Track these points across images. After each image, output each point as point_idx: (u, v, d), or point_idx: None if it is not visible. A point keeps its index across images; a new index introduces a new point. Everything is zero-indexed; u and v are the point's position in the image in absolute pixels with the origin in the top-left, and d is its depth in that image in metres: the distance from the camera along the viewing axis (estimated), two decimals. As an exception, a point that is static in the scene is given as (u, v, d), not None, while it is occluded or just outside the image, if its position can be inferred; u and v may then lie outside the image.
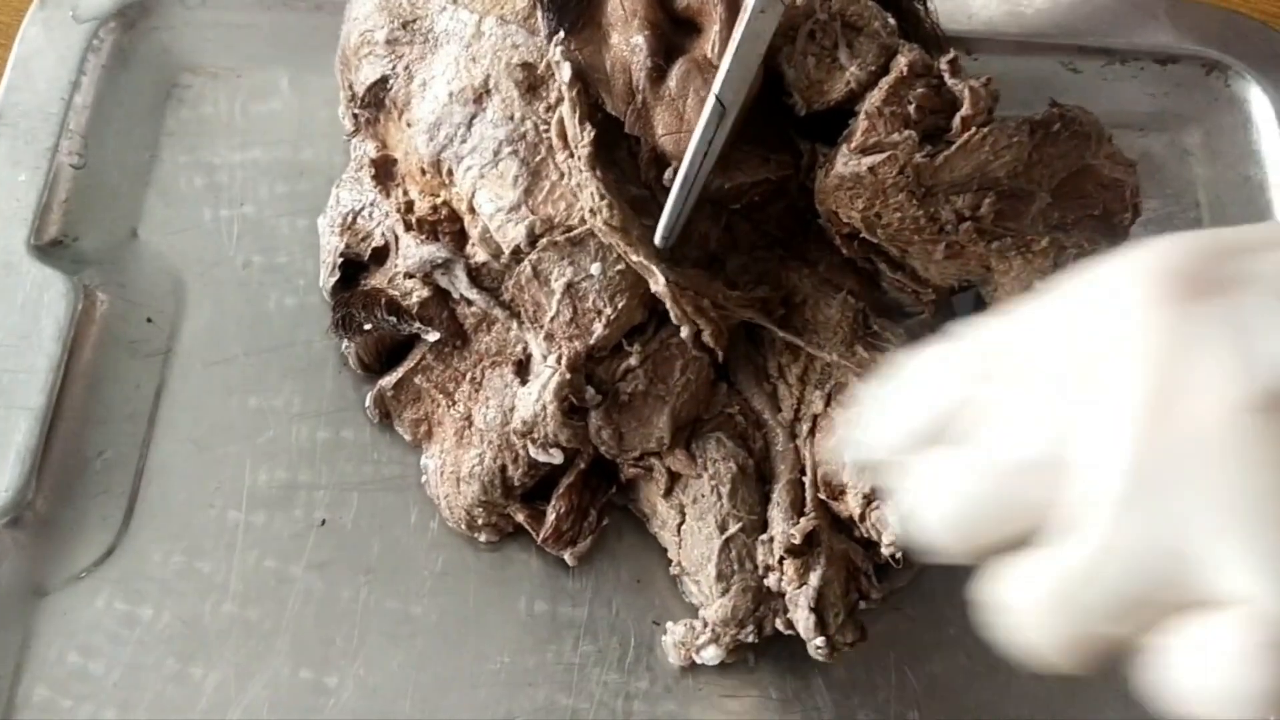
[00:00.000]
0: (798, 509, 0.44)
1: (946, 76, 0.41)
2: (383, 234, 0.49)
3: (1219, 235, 0.26)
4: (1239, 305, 0.24)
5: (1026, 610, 0.26)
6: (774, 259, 0.47)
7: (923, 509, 0.28)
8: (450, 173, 0.46)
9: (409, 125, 0.47)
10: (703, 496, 0.45)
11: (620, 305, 0.44)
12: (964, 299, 0.49)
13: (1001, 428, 0.26)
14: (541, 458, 0.46)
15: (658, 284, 0.42)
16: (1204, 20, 0.60)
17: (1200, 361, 0.24)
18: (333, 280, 0.50)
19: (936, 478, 0.28)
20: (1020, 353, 0.27)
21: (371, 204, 0.50)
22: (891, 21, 0.44)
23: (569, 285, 0.44)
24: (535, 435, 0.46)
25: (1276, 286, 0.24)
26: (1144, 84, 0.60)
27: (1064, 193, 0.43)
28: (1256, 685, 0.23)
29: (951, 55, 0.42)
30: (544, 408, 0.45)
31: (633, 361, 0.45)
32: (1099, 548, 0.24)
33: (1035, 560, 0.26)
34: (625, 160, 0.45)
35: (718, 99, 0.40)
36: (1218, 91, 0.60)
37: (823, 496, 0.44)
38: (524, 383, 0.46)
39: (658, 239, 0.43)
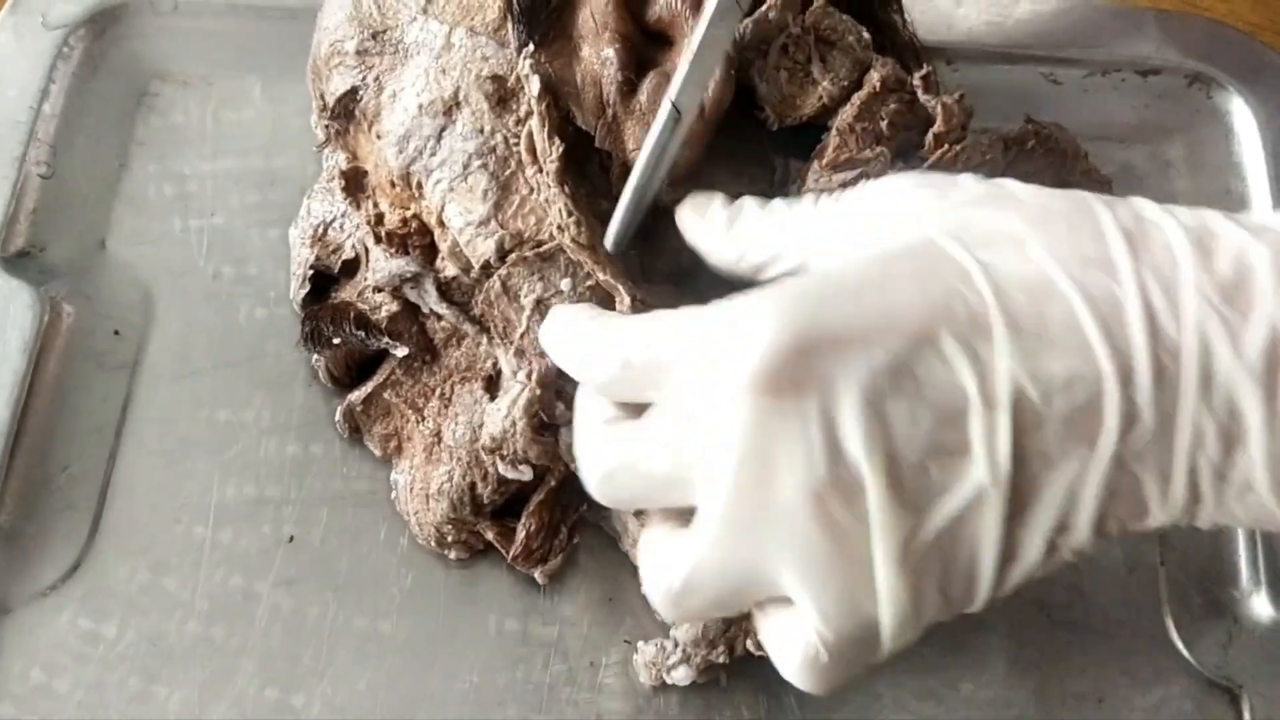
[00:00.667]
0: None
1: (920, 92, 0.41)
2: (353, 246, 0.49)
3: (824, 329, 0.31)
4: (822, 404, 0.31)
5: (655, 592, 0.36)
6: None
7: (584, 458, 0.37)
8: (420, 186, 0.45)
9: (379, 137, 0.46)
10: (674, 515, 0.45)
11: (592, 320, 0.44)
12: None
13: (651, 436, 0.35)
14: (511, 475, 0.46)
15: (623, 303, 0.42)
16: (1186, 31, 0.60)
17: (781, 448, 0.31)
18: (303, 293, 0.50)
19: (602, 442, 0.36)
20: (670, 373, 0.34)
21: (343, 215, 0.50)
22: (866, 35, 0.43)
23: (539, 301, 0.44)
24: (504, 452, 0.45)
25: (856, 389, 0.31)
26: (1125, 96, 0.59)
27: (1039, 210, 0.42)
28: (797, 659, 0.33)
29: (925, 71, 0.41)
30: (513, 424, 0.44)
31: (603, 378, 0.44)
32: (699, 557, 0.34)
33: (662, 549, 0.35)
34: (596, 174, 0.45)
35: (673, 105, 0.39)
36: (1200, 103, 0.59)
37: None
38: (493, 399, 0.46)
39: (609, 244, 0.43)
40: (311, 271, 0.50)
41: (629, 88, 0.43)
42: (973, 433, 0.31)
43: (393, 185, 0.46)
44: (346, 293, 0.49)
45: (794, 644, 0.33)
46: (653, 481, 0.35)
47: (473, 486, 0.46)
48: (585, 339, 0.38)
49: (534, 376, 0.44)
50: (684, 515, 0.35)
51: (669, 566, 0.35)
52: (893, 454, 0.31)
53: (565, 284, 0.44)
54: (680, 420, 0.34)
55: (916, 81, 0.41)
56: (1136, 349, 0.31)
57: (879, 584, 0.31)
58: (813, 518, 0.31)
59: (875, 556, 0.31)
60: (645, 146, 0.41)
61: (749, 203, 0.40)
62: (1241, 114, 0.58)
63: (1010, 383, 0.31)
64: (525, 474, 0.46)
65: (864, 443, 0.31)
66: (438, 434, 0.47)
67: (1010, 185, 0.35)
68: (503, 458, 0.45)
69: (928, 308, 0.31)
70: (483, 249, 0.44)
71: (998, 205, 0.34)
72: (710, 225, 0.40)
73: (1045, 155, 0.42)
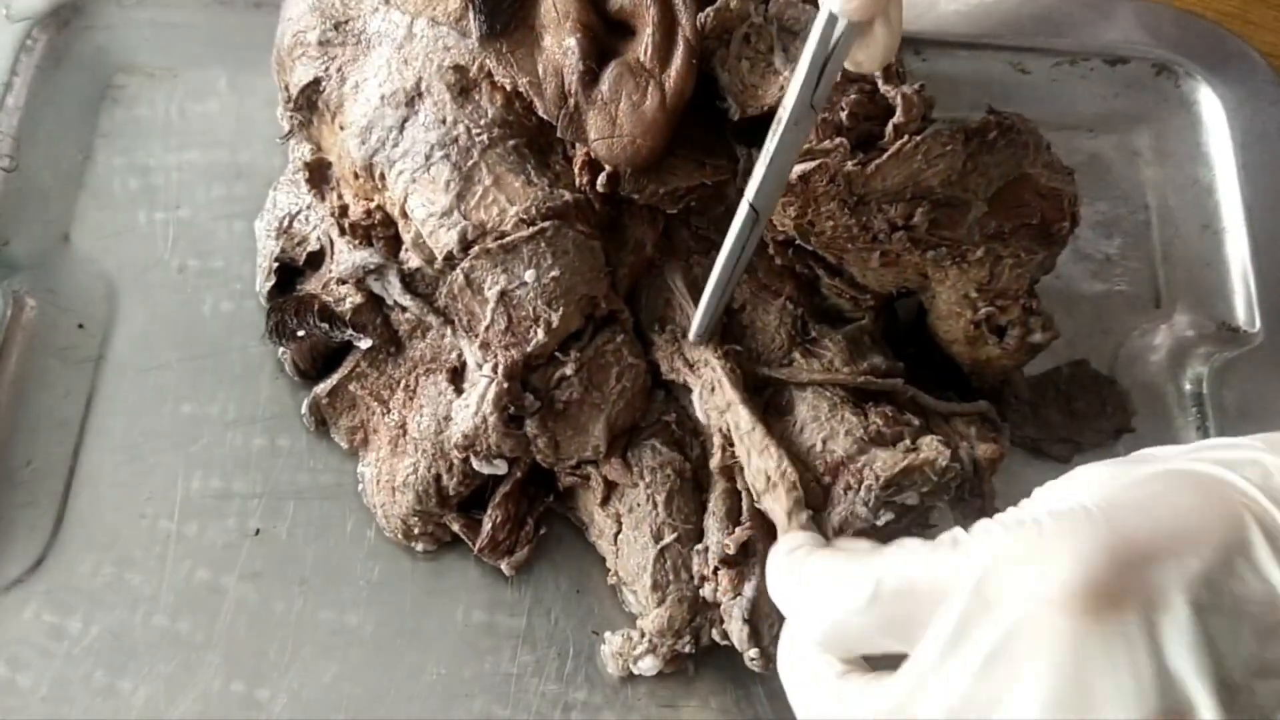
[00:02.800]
0: (733, 518, 0.43)
1: (880, 83, 0.41)
2: (318, 238, 0.49)
3: (1132, 540, 0.29)
4: (1146, 623, 0.28)
5: None
6: (712, 264, 0.47)
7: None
8: (383, 177, 0.45)
9: (342, 128, 0.46)
10: (638, 505, 0.45)
11: (559, 312, 0.44)
12: (906, 304, 0.49)
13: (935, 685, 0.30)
14: (486, 470, 0.46)
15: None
16: (1154, 20, 0.60)
17: (1104, 677, 0.28)
18: (268, 285, 0.50)
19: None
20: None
21: (308, 208, 0.49)
22: (829, 25, 0.43)
23: (503, 293, 0.44)
24: (478, 447, 0.45)
25: (1181, 602, 0.28)
26: (1094, 85, 0.59)
27: (1001, 202, 0.42)
28: None
29: (885, 61, 0.41)
30: (484, 420, 0.44)
31: (568, 370, 0.44)
32: None
33: None
34: (560, 165, 0.45)
35: (751, 206, 0.39)
36: (1168, 92, 0.59)
37: (759, 506, 0.43)
38: (458, 390, 0.46)
39: (692, 336, 0.44)
40: (277, 264, 0.49)
41: (591, 77, 0.43)
42: None
43: (356, 176, 0.46)
44: (312, 285, 0.48)
45: None
46: None
47: (438, 478, 0.46)
48: (821, 574, 0.34)
49: (501, 369, 0.44)
50: None
51: None
52: (1222, 676, 0.29)
53: (529, 275, 0.43)
54: (962, 658, 0.30)
55: (877, 73, 0.41)
56: None
57: None
58: None
59: None
60: (725, 245, 0.41)
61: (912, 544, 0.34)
62: (1209, 102, 0.59)
63: None
64: (500, 468, 0.46)
65: (1196, 664, 0.28)
66: (403, 426, 0.47)
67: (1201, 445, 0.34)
68: (476, 454, 0.45)
69: (1224, 518, 0.30)
70: (445, 240, 0.44)
71: (1213, 449, 0.32)
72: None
73: (1007, 146, 0.42)
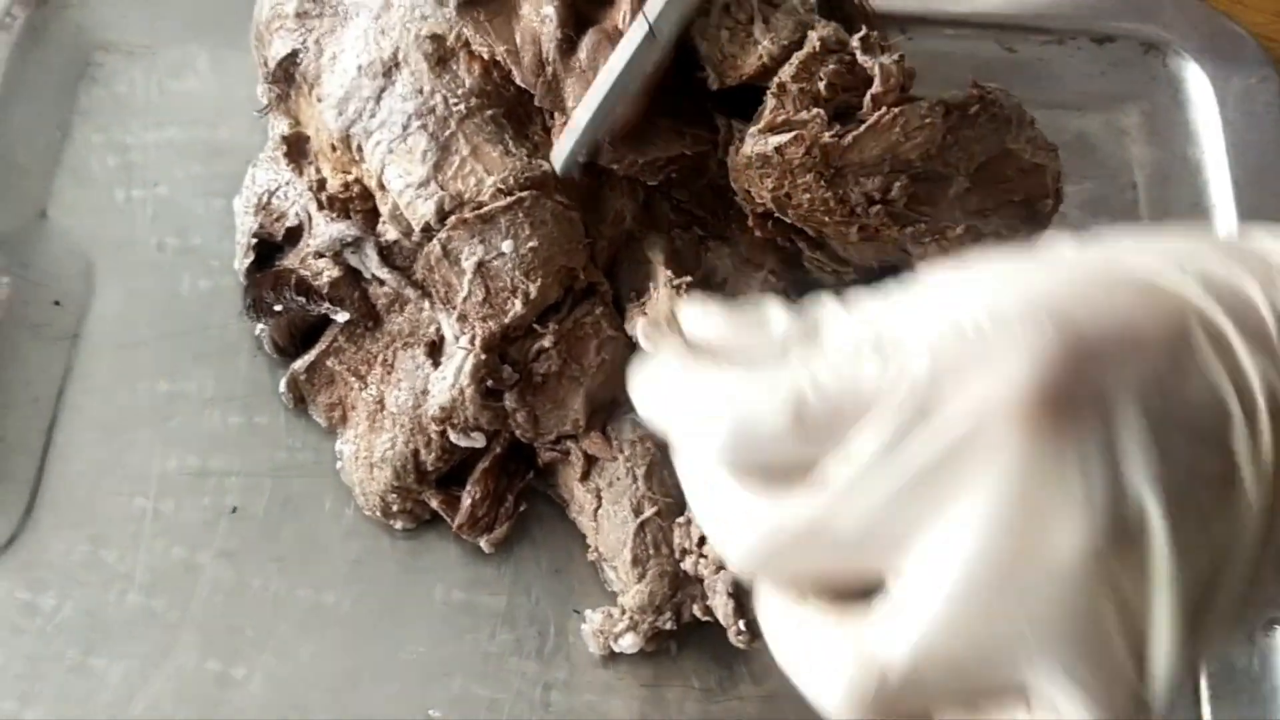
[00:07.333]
0: (715, 493, 0.43)
1: (858, 53, 0.40)
2: (296, 214, 0.48)
3: (1086, 338, 0.26)
4: (1104, 432, 0.25)
5: (848, 691, 0.27)
6: (693, 238, 0.46)
7: (727, 521, 0.29)
8: (360, 148, 0.45)
9: (319, 100, 0.46)
10: (618, 480, 0.44)
11: (537, 284, 0.43)
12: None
13: (848, 493, 0.27)
14: (464, 443, 0.45)
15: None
16: (1142, -2, 0.59)
17: (1054, 495, 0.25)
18: (247, 261, 0.49)
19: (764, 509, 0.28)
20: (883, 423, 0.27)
21: (287, 183, 0.49)
22: (810, -3, 0.43)
23: (480, 264, 0.43)
24: (455, 420, 0.45)
25: (1138, 407, 0.25)
26: (1081, 63, 0.59)
27: (983, 178, 0.42)
28: None
29: (864, 31, 0.41)
30: (461, 391, 0.44)
31: (546, 342, 0.44)
32: (923, 644, 0.26)
33: (868, 640, 0.27)
34: (539, 135, 0.44)
35: (650, 26, 0.37)
36: (1155, 70, 0.59)
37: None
38: (436, 364, 0.45)
39: (559, 165, 0.41)
40: (255, 240, 0.49)
41: (568, 45, 0.42)
42: (1238, 450, 0.26)
43: (333, 149, 0.46)
44: (290, 260, 0.48)
45: None
46: (842, 549, 0.27)
47: (416, 453, 0.45)
48: (726, 394, 0.28)
49: (478, 341, 0.44)
50: (851, 595, 0.28)
51: (872, 658, 0.26)
52: (1173, 486, 0.25)
53: (507, 246, 0.43)
54: (893, 470, 0.26)
55: (856, 42, 0.41)
56: None
57: (1159, 649, 0.26)
58: (1092, 581, 0.25)
59: (1157, 617, 0.26)
60: (613, 64, 0.38)
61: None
62: (1197, 80, 0.58)
63: (1265, 388, 0.26)
64: (478, 440, 0.45)
65: (1151, 474, 0.25)
66: (380, 401, 0.46)
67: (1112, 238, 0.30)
68: (454, 426, 0.45)
69: (1167, 314, 0.26)
70: (422, 210, 0.43)
71: (1122, 249, 0.29)
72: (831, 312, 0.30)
73: (989, 121, 0.41)
